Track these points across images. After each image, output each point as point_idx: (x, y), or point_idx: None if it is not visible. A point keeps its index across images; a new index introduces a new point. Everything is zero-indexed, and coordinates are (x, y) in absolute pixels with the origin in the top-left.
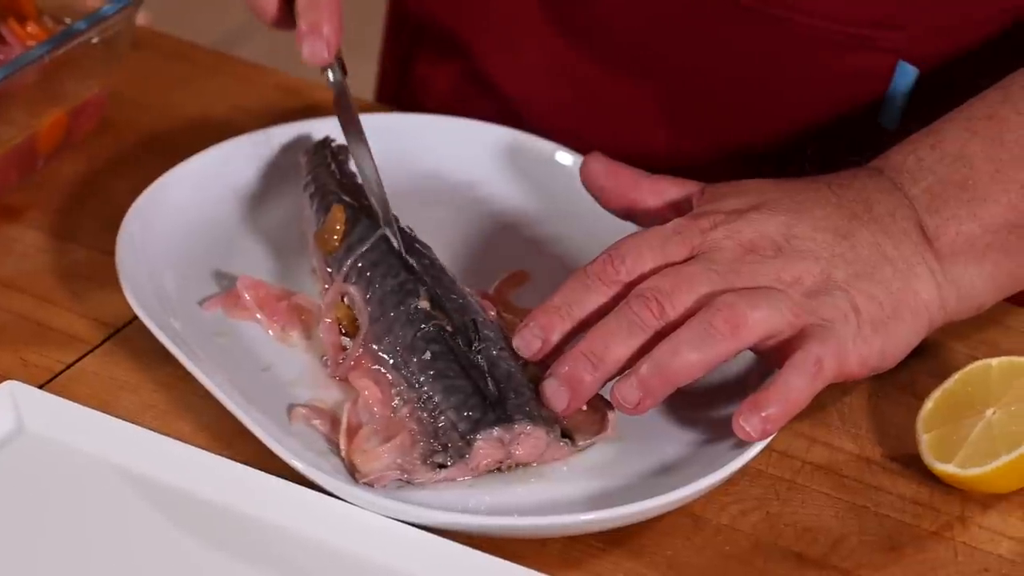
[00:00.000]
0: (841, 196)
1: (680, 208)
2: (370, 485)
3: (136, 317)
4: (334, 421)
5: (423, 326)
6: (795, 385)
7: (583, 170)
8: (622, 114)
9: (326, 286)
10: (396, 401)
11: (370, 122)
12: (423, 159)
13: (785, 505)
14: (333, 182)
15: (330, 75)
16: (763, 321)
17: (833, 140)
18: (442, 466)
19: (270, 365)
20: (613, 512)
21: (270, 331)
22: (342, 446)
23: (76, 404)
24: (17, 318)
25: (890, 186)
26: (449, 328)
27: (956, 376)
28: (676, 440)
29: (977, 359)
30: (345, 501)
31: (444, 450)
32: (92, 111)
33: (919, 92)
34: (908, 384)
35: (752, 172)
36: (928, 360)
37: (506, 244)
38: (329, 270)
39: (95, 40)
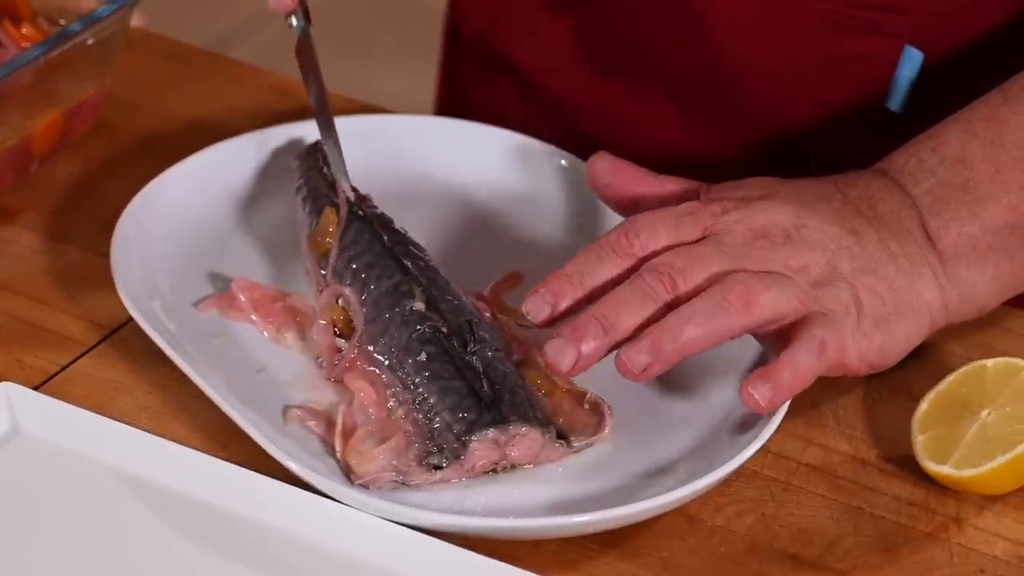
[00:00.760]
0: (847, 193)
1: (685, 202)
2: (365, 486)
3: (131, 318)
4: (329, 422)
5: (418, 327)
6: (802, 360)
7: (589, 168)
8: (634, 99)
9: (320, 288)
10: (391, 402)
11: (365, 125)
12: (419, 161)
13: (780, 506)
14: (325, 185)
15: (293, 21)
16: (772, 302)
17: (840, 124)
18: (437, 467)
19: (265, 366)
20: (608, 513)
21: (265, 332)
22: (337, 447)
23: (71, 405)
24: (12, 319)
25: (894, 187)
26: (444, 329)
27: (951, 377)
28: (671, 441)
29: (972, 360)
30: (340, 502)
31: (439, 451)
32: (87, 112)
33: (925, 78)
34: (903, 385)
35: (759, 162)
36: (923, 361)
37: (501, 245)
38: (323, 272)
39: (90, 41)
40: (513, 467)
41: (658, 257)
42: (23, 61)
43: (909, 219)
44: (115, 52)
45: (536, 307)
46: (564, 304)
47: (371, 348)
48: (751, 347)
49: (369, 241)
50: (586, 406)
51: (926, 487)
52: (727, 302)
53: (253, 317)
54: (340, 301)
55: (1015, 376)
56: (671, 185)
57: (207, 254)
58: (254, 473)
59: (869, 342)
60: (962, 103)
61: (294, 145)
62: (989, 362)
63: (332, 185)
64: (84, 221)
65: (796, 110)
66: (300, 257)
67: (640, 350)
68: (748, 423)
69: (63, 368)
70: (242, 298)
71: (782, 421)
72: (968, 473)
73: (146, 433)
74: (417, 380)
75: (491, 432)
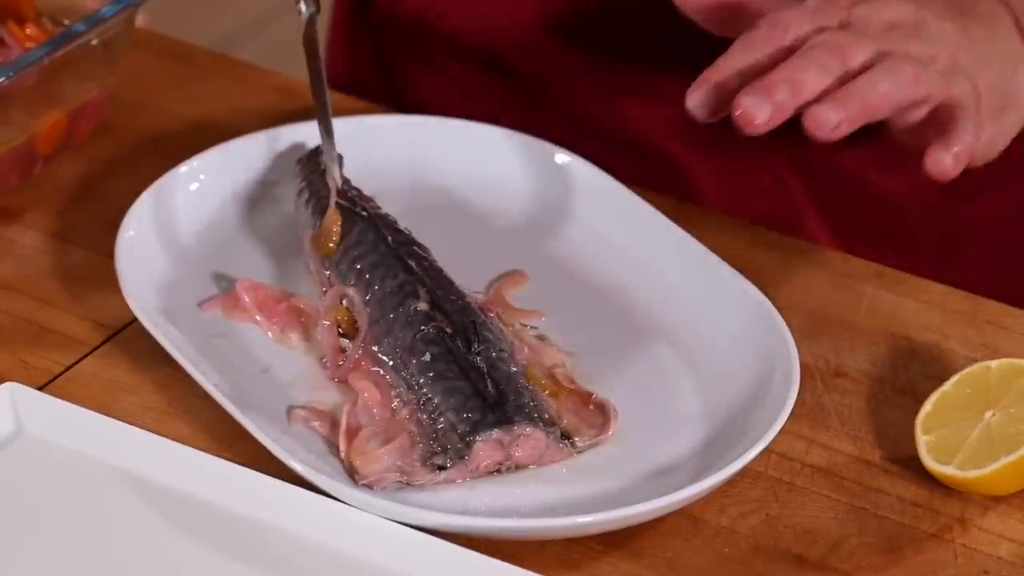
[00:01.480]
0: None
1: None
2: (369, 487)
3: (135, 319)
4: (333, 423)
5: (422, 328)
6: (968, 130)
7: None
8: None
9: (323, 288)
10: (395, 403)
11: (366, 124)
12: (421, 160)
13: (784, 507)
14: (327, 187)
15: (303, 7)
16: (930, 81)
17: None
18: (442, 468)
19: (269, 367)
20: (612, 514)
21: (269, 333)
22: (342, 448)
23: (75, 406)
24: (16, 320)
25: None
26: (448, 330)
27: (955, 378)
28: (675, 442)
29: (976, 361)
30: (344, 503)
31: (444, 452)
32: (91, 113)
33: None
34: (907, 386)
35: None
36: (927, 362)
37: (504, 245)
38: (327, 273)
39: (94, 42)
40: (517, 468)
41: (820, 36)
42: (27, 61)
43: (1003, 17)
44: (119, 52)
45: (699, 98)
46: (725, 92)
47: (375, 348)
48: (751, 352)
49: (373, 241)
50: (591, 407)
51: (930, 488)
52: (903, 69)
53: (257, 318)
54: (344, 301)
55: (1019, 377)
56: None
57: (211, 254)
58: (258, 473)
59: (982, 134)
60: None
61: (299, 146)
62: (993, 363)
63: (338, 191)
64: (88, 221)
65: None
66: (304, 257)
67: (830, 108)
68: (752, 423)
69: (67, 368)
70: (246, 298)
71: (786, 422)
72: (972, 474)
73: (150, 433)
74: (421, 380)
75: (495, 432)
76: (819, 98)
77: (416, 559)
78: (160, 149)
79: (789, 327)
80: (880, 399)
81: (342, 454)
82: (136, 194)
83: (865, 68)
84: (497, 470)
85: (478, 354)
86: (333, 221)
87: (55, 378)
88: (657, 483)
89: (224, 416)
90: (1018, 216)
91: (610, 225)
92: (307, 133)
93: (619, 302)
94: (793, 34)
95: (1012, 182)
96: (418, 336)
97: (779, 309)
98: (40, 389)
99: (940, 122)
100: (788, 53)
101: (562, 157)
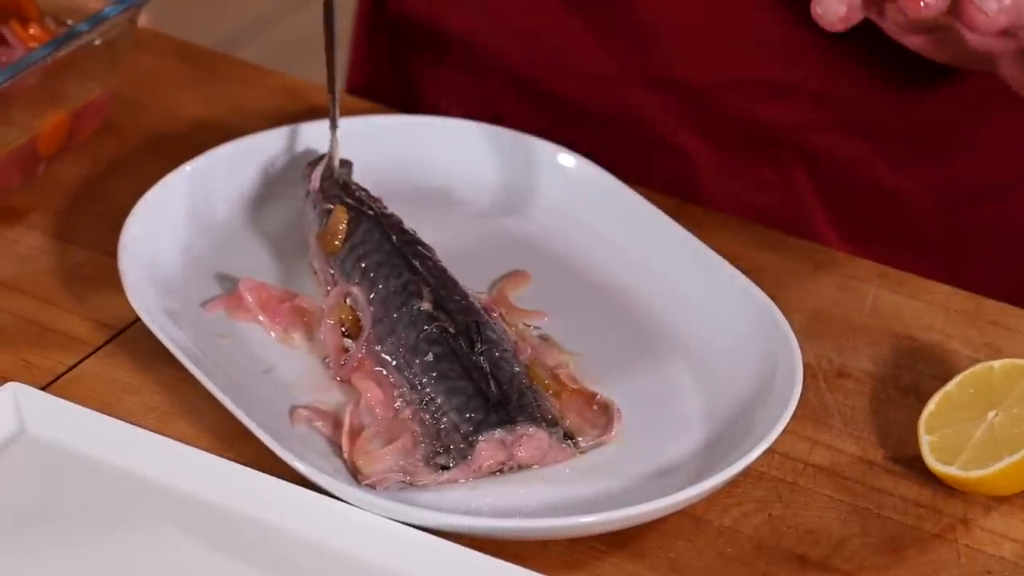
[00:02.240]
0: None
1: None
2: (372, 487)
3: (138, 319)
4: (336, 423)
5: (426, 327)
6: None
7: None
8: (596, 65)
9: (328, 287)
10: (398, 403)
11: (371, 124)
12: (424, 160)
13: (787, 507)
14: (336, 186)
15: None
16: None
17: None
18: (444, 467)
19: (272, 367)
20: (615, 514)
21: (272, 333)
22: (344, 448)
23: (78, 406)
24: (19, 320)
25: None
26: (452, 330)
27: (958, 378)
28: (678, 442)
29: (979, 361)
30: (347, 503)
31: (446, 452)
32: (94, 113)
33: None
34: (910, 386)
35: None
36: (930, 362)
37: (507, 245)
38: (332, 272)
39: (97, 42)
40: (520, 468)
41: None
42: (30, 61)
43: None
44: (122, 52)
45: (830, 4)
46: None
47: (378, 348)
48: (754, 352)
49: (378, 240)
50: (595, 407)
51: (933, 488)
52: None
53: (260, 318)
54: (348, 300)
55: (1023, 378)
56: None
57: (214, 254)
58: (261, 473)
59: None
60: None
61: (302, 145)
62: (996, 363)
63: (343, 187)
64: (91, 221)
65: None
66: (307, 257)
67: None
68: (755, 423)
69: (70, 368)
70: (249, 298)
71: (789, 422)
72: (975, 474)
73: (153, 433)
74: (424, 380)
75: (498, 432)
76: None
77: (419, 559)
78: (163, 149)
79: (792, 327)
80: (883, 399)
81: (345, 454)
82: (139, 194)
83: None
84: (500, 470)
85: (481, 354)
86: (339, 219)
87: (58, 378)
88: (660, 483)
89: (227, 416)
90: None
91: (613, 225)
92: (311, 133)
93: (621, 302)
94: None
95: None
96: (421, 336)
97: (782, 309)
98: (43, 389)
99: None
100: None
101: (565, 157)
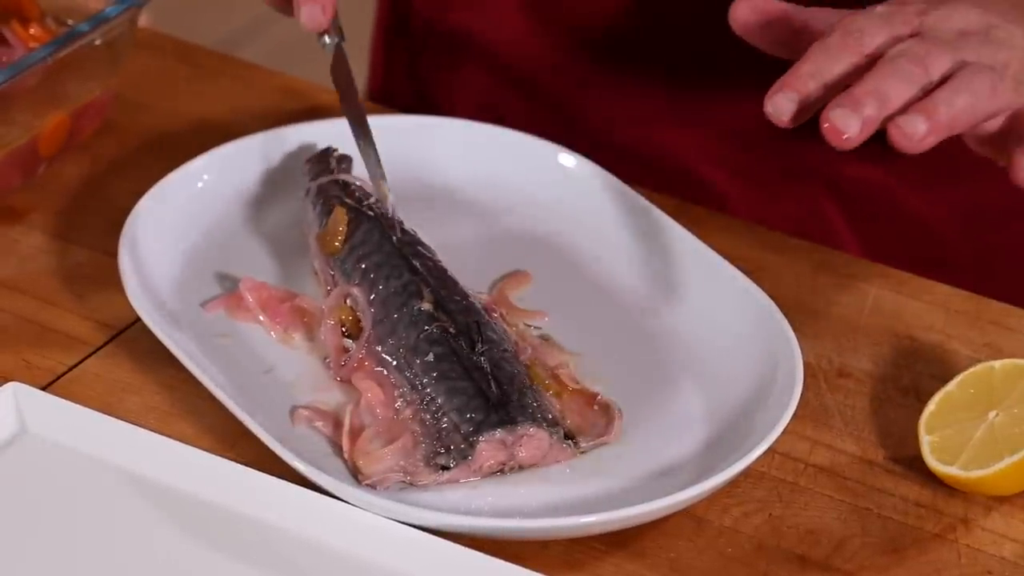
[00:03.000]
0: None
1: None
2: (373, 487)
3: (139, 319)
4: (336, 423)
5: (426, 328)
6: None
7: (733, 21)
8: (603, 72)
9: (328, 288)
10: (399, 403)
11: (373, 124)
12: (425, 161)
13: (788, 507)
14: (336, 187)
15: (327, 40)
16: (1007, 92)
17: None
18: (445, 468)
19: (272, 367)
20: (615, 514)
21: (272, 333)
22: (345, 448)
23: (78, 406)
24: (19, 320)
25: None
26: (452, 330)
27: (959, 378)
28: (678, 442)
29: (980, 361)
30: (347, 503)
31: (447, 452)
32: (95, 113)
33: None
34: (911, 386)
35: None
36: (930, 362)
37: (508, 245)
38: (332, 272)
39: (98, 42)
40: (521, 468)
41: (900, 45)
42: (31, 61)
43: None
44: (123, 52)
45: (780, 105)
46: (805, 98)
47: (379, 348)
48: (754, 352)
49: (379, 241)
50: (595, 407)
51: (933, 488)
52: (982, 81)
53: (260, 317)
54: (348, 301)
55: (1023, 377)
56: (827, 11)
57: (215, 254)
58: (261, 473)
59: None
60: None
61: (302, 145)
62: (997, 363)
63: (343, 187)
64: (92, 221)
65: None
66: (308, 257)
67: (918, 119)
68: (755, 424)
69: (70, 368)
70: (249, 298)
71: (789, 422)
72: (976, 474)
73: (153, 433)
74: (425, 380)
75: (498, 433)
76: (902, 109)
77: (419, 559)
78: (163, 149)
79: (792, 327)
80: (883, 399)
81: (345, 454)
82: (139, 194)
83: (945, 79)
84: (500, 470)
85: (482, 354)
86: (339, 220)
87: (58, 378)
88: (660, 483)
89: (227, 416)
90: None
91: (613, 225)
92: (311, 133)
93: (621, 302)
94: (869, 42)
95: None
96: (422, 336)
97: (782, 309)
98: (43, 389)
99: (1019, 131)
100: (865, 61)
101: (566, 157)
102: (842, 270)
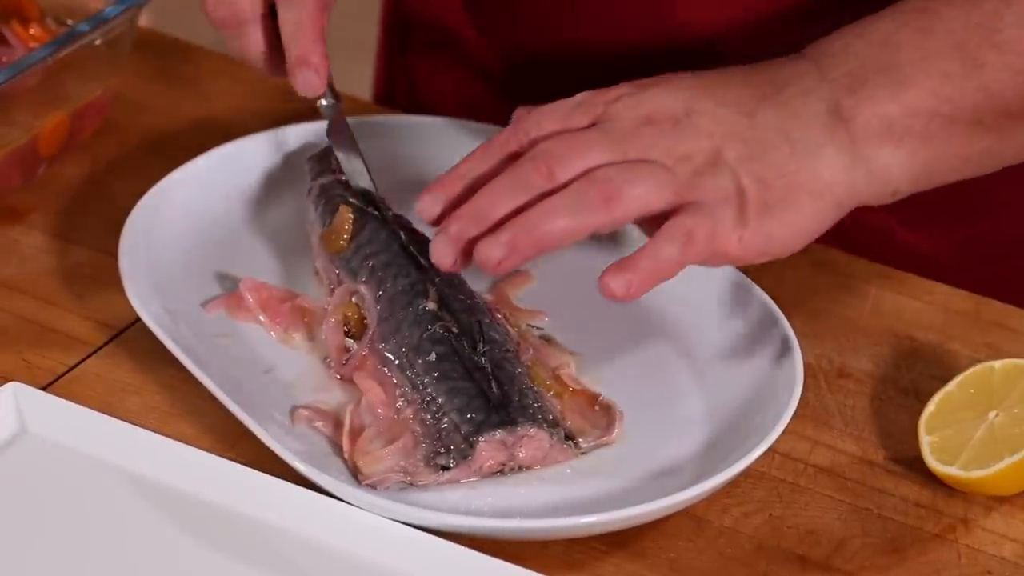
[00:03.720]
0: (752, 78)
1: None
2: (373, 487)
3: (139, 319)
4: (336, 423)
5: (429, 327)
6: (664, 251)
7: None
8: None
9: (332, 286)
10: (400, 402)
11: (370, 124)
12: (424, 161)
13: (788, 507)
14: (339, 185)
15: (323, 103)
16: (639, 198)
17: None
18: (445, 468)
19: (273, 367)
20: (615, 514)
21: (272, 333)
22: (345, 448)
23: (79, 406)
24: (20, 320)
25: (810, 69)
26: (455, 329)
27: (959, 379)
28: (678, 442)
29: (980, 361)
30: (347, 503)
31: (447, 452)
32: (95, 113)
33: None
34: (911, 386)
35: None
36: (931, 363)
37: None
38: (336, 271)
39: (98, 42)
40: (521, 468)
41: (539, 144)
42: (31, 61)
43: (818, 100)
44: (123, 52)
45: (427, 207)
46: (452, 202)
47: (382, 347)
48: (754, 352)
49: (386, 240)
50: (597, 408)
51: (933, 488)
52: (587, 199)
53: (261, 317)
54: (354, 299)
55: (1023, 378)
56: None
57: (215, 254)
58: (261, 473)
59: (754, 230)
60: None
61: (303, 145)
62: (997, 363)
63: (346, 186)
64: (92, 221)
65: None
66: (308, 257)
67: (495, 243)
68: (755, 424)
69: (70, 368)
70: (250, 298)
71: (790, 422)
72: (976, 474)
73: (153, 433)
74: (426, 380)
75: (499, 433)
76: (502, 221)
77: (419, 559)
78: (163, 149)
79: (792, 327)
80: (883, 399)
81: (345, 454)
82: (140, 194)
83: (573, 181)
84: (500, 471)
85: (483, 354)
86: (344, 219)
87: (58, 378)
88: (660, 483)
89: (227, 416)
90: None
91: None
92: (311, 133)
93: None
94: (536, 137)
95: None
96: (425, 335)
97: (782, 309)
98: (43, 389)
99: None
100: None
101: None
102: (842, 270)
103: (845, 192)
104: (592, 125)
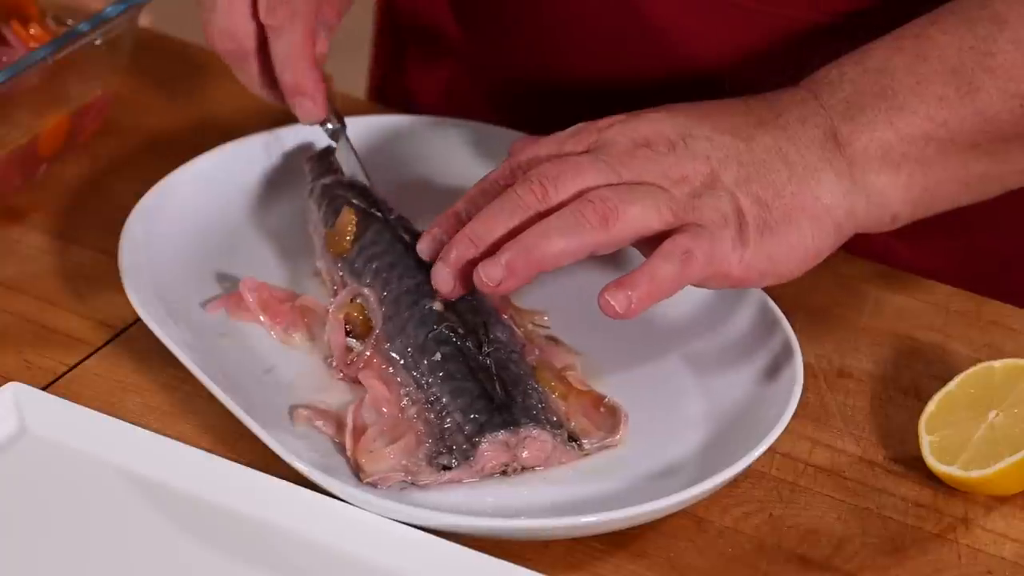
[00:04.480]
0: (751, 106)
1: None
2: (374, 485)
3: (139, 319)
4: (337, 422)
5: (435, 327)
6: (662, 270)
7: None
8: (604, 100)
9: (334, 287)
10: (404, 401)
11: (369, 124)
12: (423, 161)
13: (788, 507)
14: (341, 187)
15: (328, 126)
16: (636, 218)
17: None
18: (447, 468)
19: (273, 367)
20: (616, 514)
21: (273, 333)
22: (348, 446)
23: (79, 406)
24: (20, 319)
25: (807, 97)
26: (460, 330)
27: (959, 378)
28: (679, 443)
29: (980, 361)
30: (347, 503)
31: (449, 452)
32: (95, 113)
33: None
34: (911, 386)
35: None
36: (931, 362)
37: None
38: (340, 272)
39: (98, 42)
40: (523, 469)
41: (534, 169)
42: (31, 61)
43: (815, 126)
44: (123, 52)
45: (427, 245)
46: (449, 239)
47: (387, 346)
48: (755, 352)
49: (390, 241)
50: (602, 410)
51: (934, 488)
52: (584, 218)
53: (261, 317)
54: (359, 300)
55: (1023, 378)
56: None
57: (215, 254)
58: (262, 473)
59: (754, 251)
60: None
61: (302, 145)
62: (997, 363)
63: (348, 186)
64: (92, 221)
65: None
66: (309, 257)
67: (495, 265)
68: (755, 424)
69: (71, 368)
70: (250, 298)
71: (790, 422)
72: (976, 474)
73: (154, 433)
74: (431, 380)
75: (501, 434)
76: (500, 242)
77: (419, 559)
78: (163, 149)
79: (793, 327)
80: (884, 399)
81: (348, 452)
82: (140, 194)
83: (567, 203)
84: (503, 471)
85: (488, 355)
86: (348, 220)
87: (59, 378)
88: (661, 483)
89: (228, 416)
90: None
91: None
92: (311, 133)
93: None
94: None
95: None
96: (430, 335)
97: (783, 309)
98: (44, 389)
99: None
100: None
101: None
102: (842, 270)
103: (844, 216)
104: (587, 151)
